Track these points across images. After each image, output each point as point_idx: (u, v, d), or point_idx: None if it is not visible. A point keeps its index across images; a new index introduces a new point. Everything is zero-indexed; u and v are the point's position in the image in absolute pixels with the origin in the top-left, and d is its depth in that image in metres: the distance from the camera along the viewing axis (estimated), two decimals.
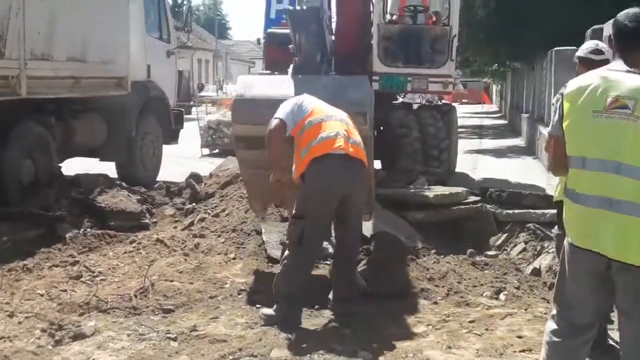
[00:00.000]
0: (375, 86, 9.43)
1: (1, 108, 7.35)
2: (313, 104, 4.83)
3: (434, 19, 10.31)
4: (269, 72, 10.18)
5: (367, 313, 4.90)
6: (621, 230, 2.83)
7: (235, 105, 5.67)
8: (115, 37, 9.50)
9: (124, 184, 8.68)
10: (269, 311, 4.69)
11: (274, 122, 4.65)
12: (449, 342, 4.36)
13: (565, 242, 3.11)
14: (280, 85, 5.67)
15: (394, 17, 10.51)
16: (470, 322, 4.75)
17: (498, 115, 35.63)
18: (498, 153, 16.16)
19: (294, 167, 4.77)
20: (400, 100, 11.28)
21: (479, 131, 24.23)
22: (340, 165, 4.57)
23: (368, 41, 9.39)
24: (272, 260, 6.45)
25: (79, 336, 4.35)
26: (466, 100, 46.40)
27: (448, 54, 9.47)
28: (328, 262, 6.42)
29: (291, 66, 6.35)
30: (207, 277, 5.73)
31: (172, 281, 5.59)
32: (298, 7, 6.29)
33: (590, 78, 2.98)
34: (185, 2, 12.55)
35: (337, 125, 4.70)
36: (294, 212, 4.74)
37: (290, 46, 6.45)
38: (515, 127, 23.70)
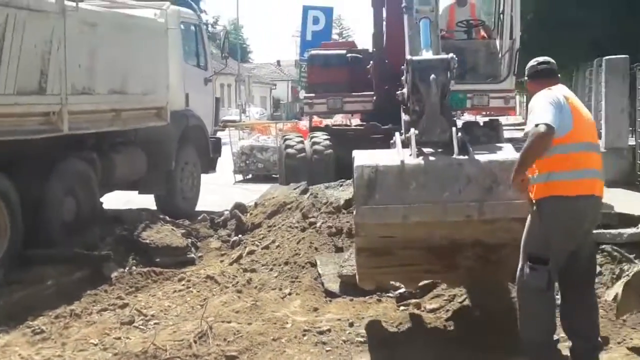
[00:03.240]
0: None
1: (43, 145, 7.15)
2: (574, 116, 4.20)
3: (482, 33, 9.92)
4: (312, 94, 9.91)
5: None
6: None
7: (361, 216, 4.49)
8: (155, 67, 9.27)
9: (167, 217, 8.40)
10: None
11: (542, 129, 3.94)
12: None
13: None
14: (412, 181, 4.44)
15: (444, 34, 10.14)
16: None
17: (524, 127, 34.68)
18: None
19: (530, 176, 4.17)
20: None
21: (514, 144, 23.51)
22: (588, 210, 4.19)
23: None
24: (330, 294, 6.13)
25: None
26: (485, 113, 45.35)
27: (511, 68, 9.02)
28: None
29: (412, 131, 4.79)
30: (266, 317, 5.39)
31: (229, 322, 5.25)
32: (424, 57, 5.19)
33: None
34: (219, 27, 12.41)
35: (595, 160, 4.24)
36: (530, 255, 4.17)
37: (401, 91, 5.27)
38: None
